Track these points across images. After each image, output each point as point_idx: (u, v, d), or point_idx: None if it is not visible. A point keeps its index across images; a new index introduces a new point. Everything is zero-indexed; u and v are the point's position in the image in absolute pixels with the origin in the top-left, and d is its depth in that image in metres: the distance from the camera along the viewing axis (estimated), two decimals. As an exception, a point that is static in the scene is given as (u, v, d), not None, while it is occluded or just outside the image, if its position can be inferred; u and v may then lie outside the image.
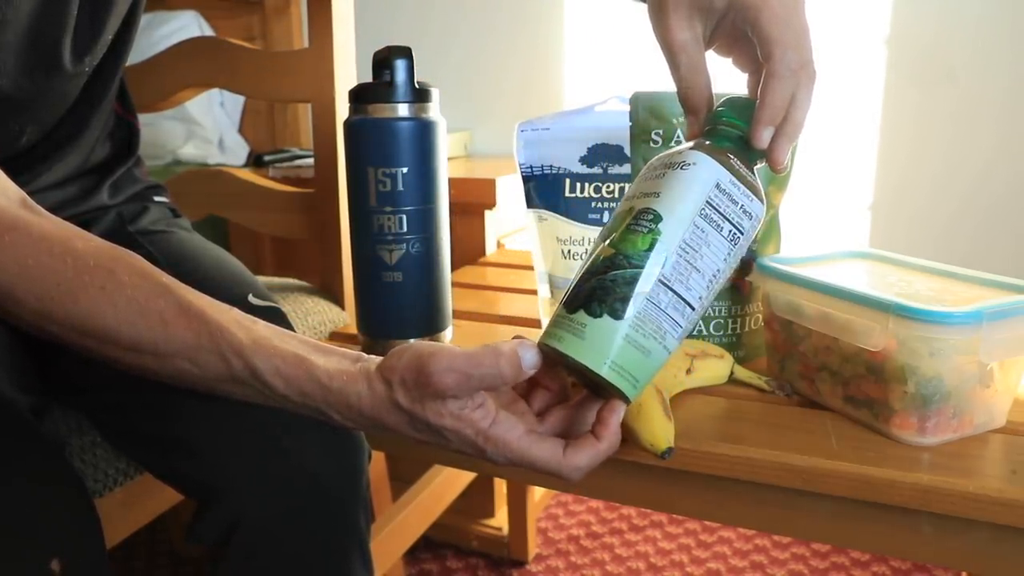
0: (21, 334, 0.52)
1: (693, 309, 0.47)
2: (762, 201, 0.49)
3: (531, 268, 0.78)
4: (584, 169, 0.71)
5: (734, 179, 0.47)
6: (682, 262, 0.46)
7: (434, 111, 0.71)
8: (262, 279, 0.88)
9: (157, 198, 0.79)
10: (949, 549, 0.53)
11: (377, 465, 1.15)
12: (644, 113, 0.65)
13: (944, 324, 0.50)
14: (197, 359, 0.46)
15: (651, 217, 0.46)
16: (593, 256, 0.48)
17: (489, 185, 1.21)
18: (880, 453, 0.53)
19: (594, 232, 0.71)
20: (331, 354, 0.48)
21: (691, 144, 0.50)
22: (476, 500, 1.36)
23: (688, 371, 0.62)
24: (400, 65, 0.68)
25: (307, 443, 0.60)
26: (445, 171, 0.72)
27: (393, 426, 0.47)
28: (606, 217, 0.71)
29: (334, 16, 0.84)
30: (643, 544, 1.37)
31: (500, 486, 1.38)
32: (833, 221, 1.43)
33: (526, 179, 0.74)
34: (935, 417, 0.53)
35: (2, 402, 0.51)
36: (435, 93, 0.71)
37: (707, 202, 0.47)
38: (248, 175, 1.00)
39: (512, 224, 1.31)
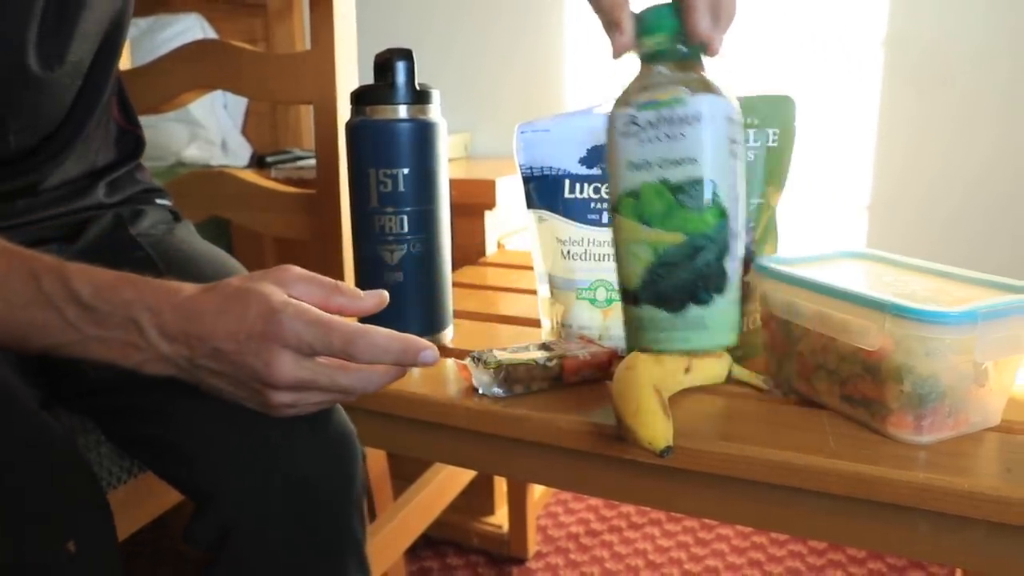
0: None
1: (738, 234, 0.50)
2: (727, 96, 0.48)
3: (531, 268, 0.79)
4: (583, 170, 0.72)
5: (732, 104, 0.47)
6: (736, 206, 0.48)
7: (435, 113, 0.71)
8: (264, 279, 0.88)
9: (159, 200, 0.79)
10: (945, 546, 0.53)
11: (378, 464, 1.15)
12: (643, 115, 0.66)
13: (940, 324, 0.51)
14: (4, 290, 0.43)
15: (705, 186, 0.46)
16: (646, 244, 0.47)
17: (489, 186, 1.21)
18: (877, 451, 0.53)
19: (594, 232, 0.71)
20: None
21: (680, 88, 0.47)
22: (476, 498, 1.37)
23: (686, 370, 0.62)
24: (401, 67, 0.68)
25: (299, 447, 0.58)
26: (446, 172, 0.73)
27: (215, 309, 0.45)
28: (605, 217, 0.72)
29: (335, 18, 0.84)
30: (642, 541, 1.38)
31: (500, 484, 1.38)
32: (830, 222, 1.43)
33: (526, 180, 0.75)
34: (931, 416, 0.54)
35: (16, 394, 0.52)
36: (436, 95, 0.71)
37: (729, 140, 0.47)
38: (250, 176, 1.00)
39: (512, 224, 1.31)
